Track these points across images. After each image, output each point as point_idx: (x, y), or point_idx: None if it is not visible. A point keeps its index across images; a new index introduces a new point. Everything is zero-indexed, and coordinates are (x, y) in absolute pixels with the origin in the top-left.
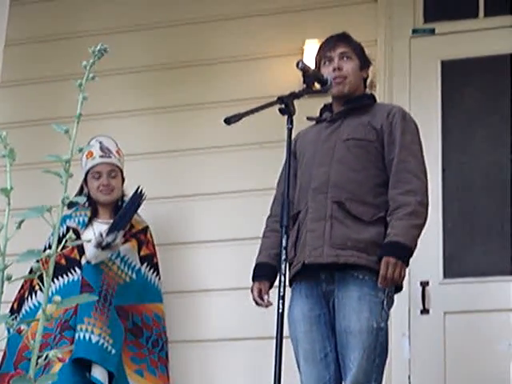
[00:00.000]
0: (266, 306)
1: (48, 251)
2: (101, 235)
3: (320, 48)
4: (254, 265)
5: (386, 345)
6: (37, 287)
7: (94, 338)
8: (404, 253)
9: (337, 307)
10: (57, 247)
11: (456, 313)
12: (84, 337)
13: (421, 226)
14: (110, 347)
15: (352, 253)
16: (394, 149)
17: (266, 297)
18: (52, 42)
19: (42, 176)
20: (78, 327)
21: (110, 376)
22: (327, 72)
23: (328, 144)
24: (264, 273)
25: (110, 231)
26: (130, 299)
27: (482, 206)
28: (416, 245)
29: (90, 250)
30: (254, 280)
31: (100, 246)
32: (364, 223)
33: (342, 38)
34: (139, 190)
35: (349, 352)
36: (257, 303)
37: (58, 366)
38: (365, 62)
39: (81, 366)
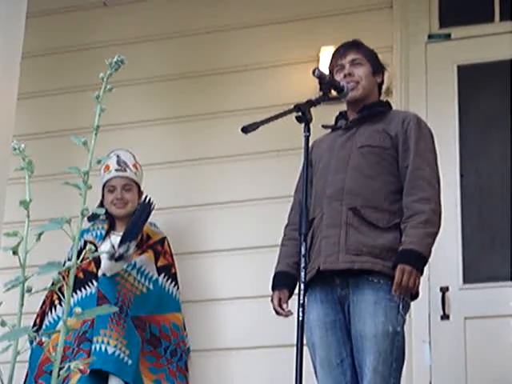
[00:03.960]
0: (286, 316)
1: (68, 263)
2: (113, 247)
3: (332, 57)
4: (273, 274)
5: (403, 349)
6: (56, 302)
7: (110, 349)
8: (419, 261)
9: (352, 312)
10: (76, 260)
11: (476, 318)
12: (100, 348)
13: (435, 235)
14: (126, 358)
15: (367, 259)
16: (409, 156)
17: (285, 306)
18: (68, 54)
19: (60, 187)
20: (95, 339)
21: None
22: (339, 79)
23: (343, 151)
24: (283, 282)
25: (121, 242)
26: (147, 310)
27: (500, 210)
28: (430, 253)
29: (104, 263)
30: (273, 289)
31: (113, 257)
32: (379, 229)
33: (353, 45)
34: (147, 199)
35: (365, 357)
36: (277, 312)
37: (75, 379)
38: (378, 68)
39: (98, 377)
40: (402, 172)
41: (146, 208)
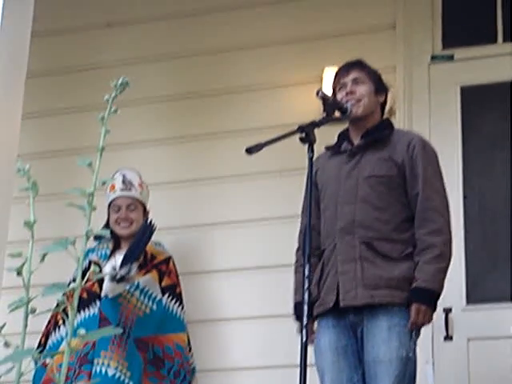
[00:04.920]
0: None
1: (72, 285)
2: (114, 269)
3: (335, 75)
4: (293, 302)
5: (415, 375)
6: (60, 322)
7: (111, 372)
8: (433, 298)
9: (365, 337)
10: (81, 281)
11: (480, 339)
12: (101, 370)
13: (447, 268)
14: (127, 380)
15: (385, 292)
16: (418, 184)
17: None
18: (72, 74)
19: (64, 207)
20: (95, 361)
21: None
22: (341, 97)
23: (350, 181)
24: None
25: (122, 264)
26: (150, 330)
27: (503, 231)
28: (443, 287)
29: (106, 284)
30: (296, 319)
31: (114, 279)
32: (394, 261)
33: (356, 64)
34: (149, 221)
35: (378, 382)
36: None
37: None
38: (380, 87)
39: None
40: (412, 200)
41: (147, 229)
